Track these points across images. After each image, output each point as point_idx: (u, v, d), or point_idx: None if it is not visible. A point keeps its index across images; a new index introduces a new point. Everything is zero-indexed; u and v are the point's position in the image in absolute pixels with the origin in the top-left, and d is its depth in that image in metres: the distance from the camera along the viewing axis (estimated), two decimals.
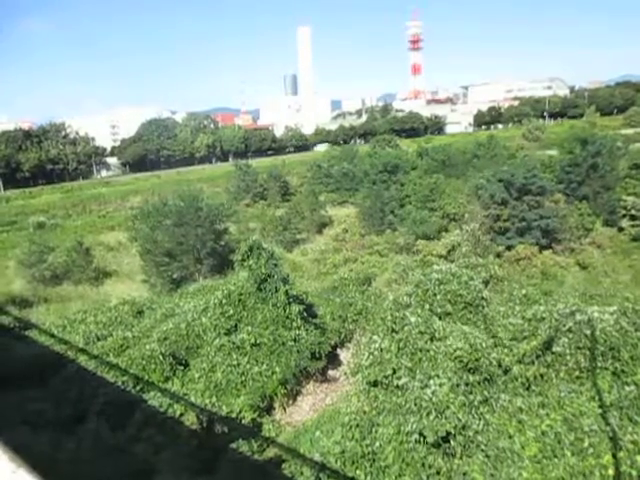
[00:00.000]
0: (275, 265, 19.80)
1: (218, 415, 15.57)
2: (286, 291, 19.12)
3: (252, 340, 18.10)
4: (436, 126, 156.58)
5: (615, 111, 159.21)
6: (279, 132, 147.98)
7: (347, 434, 12.77)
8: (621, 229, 37.11)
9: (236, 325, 19.17)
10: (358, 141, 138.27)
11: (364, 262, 35.44)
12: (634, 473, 9.63)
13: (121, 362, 18.29)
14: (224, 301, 19.58)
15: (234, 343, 18.20)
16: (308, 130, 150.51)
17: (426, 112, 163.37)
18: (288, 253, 39.03)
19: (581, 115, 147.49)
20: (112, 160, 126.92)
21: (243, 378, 17.22)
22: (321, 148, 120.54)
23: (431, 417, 11.73)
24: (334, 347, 20.79)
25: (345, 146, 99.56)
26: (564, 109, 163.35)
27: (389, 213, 43.34)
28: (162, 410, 15.58)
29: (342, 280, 27.64)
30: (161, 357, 18.03)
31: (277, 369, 17.47)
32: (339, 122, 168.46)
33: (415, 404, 12.12)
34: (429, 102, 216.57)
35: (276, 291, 18.98)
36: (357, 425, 12.87)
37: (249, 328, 18.63)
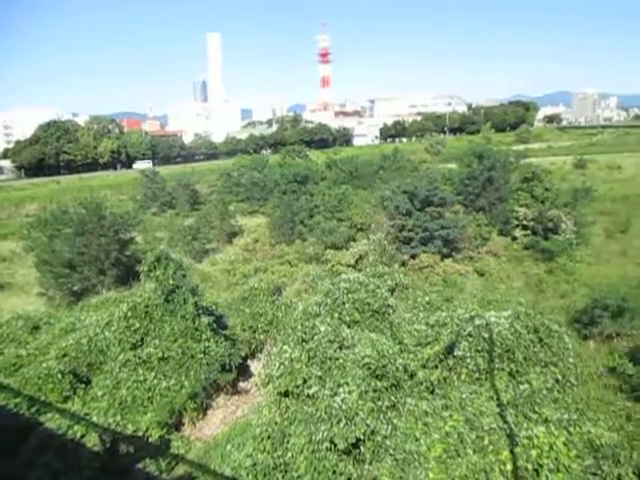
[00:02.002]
0: (183, 276, 19.34)
1: (123, 434, 14.89)
2: (195, 302, 18.71)
3: (159, 354, 17.50)
4: (344, 138, 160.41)
5: (508, 128, 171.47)
6: (188, 139, 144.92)
7: (258, 446, 12.69)
8: (514, 238, 39.76)
9: (142, 339, 18.44)
10: (268, 151, 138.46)
11: (274, 272, 35.41)
12: (529, 467, 10.31)
13: (14, 383, 16.97)
14: (129, 314, 18.75)
15: (140, 358, 17.50)
16: (218, 138, 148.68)
17: (335, 124, 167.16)
18: (197, 263, 38.21)
19: (478, 131, 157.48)
20: (5, 163, 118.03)
21: (150, 394, 16.59)
22: (141, 165, 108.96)
23: (341, 424, 11.95)
24: (245, 358, 20.59)
25: (255, 156, 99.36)
26: (463, 125, 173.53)
27: (299, 223, 43.69)
28: (61, 433, 14.62)
29: (252, 290, 27.38)
30: (60, 375, 16.93)
31: (186, 383, 17.01)
32: (249, 131, 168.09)
33: (325, 412, 12.29)
34: (337, 114, 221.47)
35: (185, 302, 18.50)
36: (269, 437, 12.83)
37: (156, 342, 18.01)
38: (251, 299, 25.17)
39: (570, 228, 37.88)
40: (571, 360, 14.71)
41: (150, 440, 15.15)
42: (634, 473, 10.40)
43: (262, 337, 21.59)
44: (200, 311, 18.81)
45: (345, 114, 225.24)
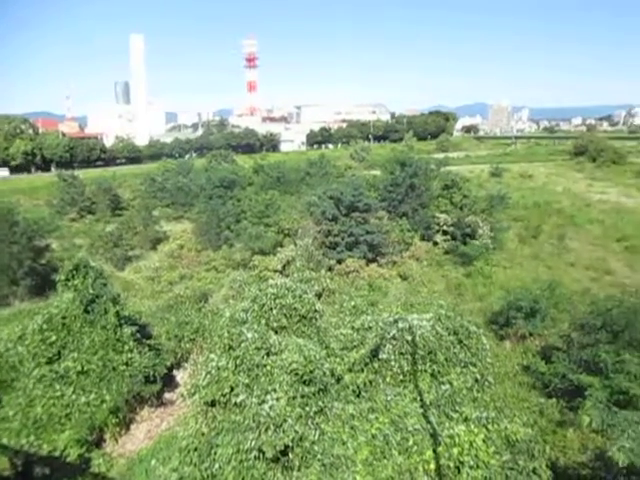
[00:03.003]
0: (104, 284, 18.60)
1: (38, 455, 14.04)
2: (117, 312, 18.02)
3: (78, 367, 16.69)
4: (271, 143, 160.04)
5: (429, 137, 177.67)
6: (109, 142, 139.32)
7: (185, 459, 12.37)
8: (435, 243, 41.24)
9: (59, 352, 17.50)
10: (194, 155, 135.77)
11: (201, 279, 34.81)
12: (451, 465, 10.68)
13: None
14: (45, 326, 17.73)
15: (57, 372, 16.60)
16: (141, 141, 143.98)
17: (262, 129, 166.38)
18: (119, 271, 36.86)
19: (401, 139, 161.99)
20: None
21: (68, 410, 15.77)
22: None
23: (269, 432, 11.87)
24: (170, 368, 20.06)
25: (181, 160, 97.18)
26: (386, 133, 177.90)
27: (225, 228, 43.19)
28: None
29: (178, 298, 26.83)
30: None
31: (107, 397, 16.32)
32: (174, 135, 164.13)
33: (253, 420, 12.17)
34: (264, 119, 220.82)
35: (105, 312, 17.78)
36: (195, 448, 12.54)
37: (75, 354, 17.15)
38: (177, 307, 24.63)
39: (487, 233, 39.77)
40: (489, 360, 15.39)
41: (68, 460, 14.39)
42: (547, 466, 11.01)
43: (188, 346, 21.14)
44: (122, 321, 18.14)
45: (272, 119, 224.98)
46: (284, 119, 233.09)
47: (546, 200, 63.40)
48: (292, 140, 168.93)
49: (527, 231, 46.44)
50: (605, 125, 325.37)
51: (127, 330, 17.93)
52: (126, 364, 17.26)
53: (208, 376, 13.85)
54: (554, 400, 17.92)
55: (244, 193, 49.41)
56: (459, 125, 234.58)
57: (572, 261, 38.55)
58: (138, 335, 18.70)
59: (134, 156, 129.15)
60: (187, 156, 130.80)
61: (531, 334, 23.46)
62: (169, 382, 19.80)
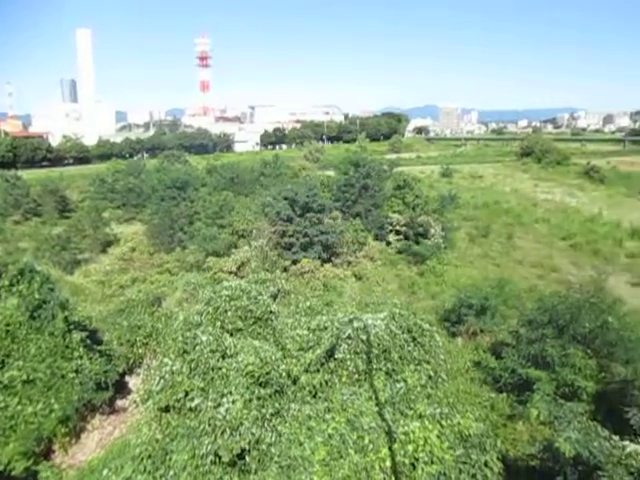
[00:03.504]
0: (51, 289, 17.95)
1: None
2: (65, 317, 17.41)
3: (24, 376, 16.00)
4: (225, 144, 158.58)
5: (381, 137, 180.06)
6: (56, 141, 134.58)
7: (138, 467, 12.09)
8: (389, 243, 41.83)
9: (3, 361, 16.75)
10: (145, 155, 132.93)
11: (153, 282, 34.12)
12: (407, 462, 10.83)
13: None
14: None
15: (1, 382, 15.91)
16: (90, 141, 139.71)
17: (215, 129, 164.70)
18: (68, 275, 35.69)
19: (354, 140, 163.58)
20: None
21: (13, 422, 15.09)
22: None
23: (226, 436, 11.75)
24: (122, 374, 19.55)
25: (132, 160, 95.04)
26: (340, 134, 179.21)
27: (179, 230, 42.51)
28: None
29: (130, 302, 26.14)
30: None
31: (56, 406, 15.73)
32: (125, 134, 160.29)
33: (209, 425, 12.02)
34: (218, 119, 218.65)
35: (53, 318, 17.15)
36: (149, 456, 12.27)
37: (20, 363, 16.44)
38: (128, 311, 24.02)
39: (438, 233, 40.64)
40: (442, 357, 15.70)
41: (14, 473, 13.81)
42: (498, 458, 11.33)
43: (141, 351, 20.65)
44: (71, 327, 17.54)
45: (226, 119, 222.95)
46: (238, 119, 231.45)
47: (495, 200, 65.37)
48: (246, 140, 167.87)
49: (477, 230, 47.76)
50: (550, 127, 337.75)
51: (76, 336, 17.36)
52: (76, 371, 16.70)
53: (162, 381, 13.59)
54: (504, 394, 18.45)
55: (197, 194, 48.72)
56: (411, 126, 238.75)
57: (520, 259, 39.88)
58: (88, 341, 18.13)
59: (82, 156, 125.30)
60: (138, 156, 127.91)
61: (482, 330, 24.09)
62: (121, 388, 19.30)
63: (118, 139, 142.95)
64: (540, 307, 18.98)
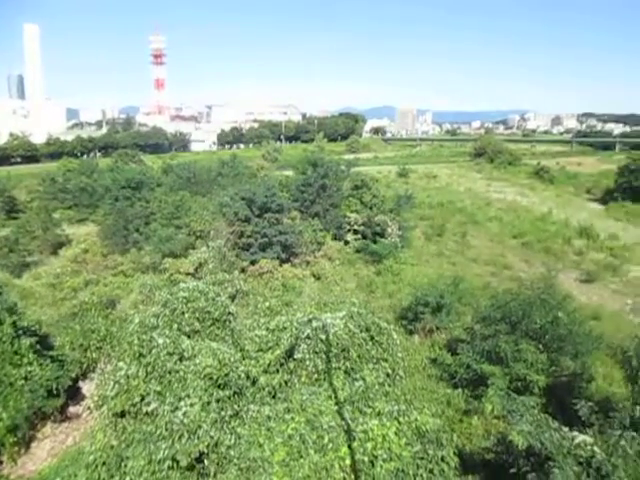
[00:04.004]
0: None
1: None
2: (13, 322, 16.82)
3: None
4: (181, 143, 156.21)
5: (339, 138, 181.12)
6: (2, 139, 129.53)
7: (92, 475, 11.78)
8: (347, 242, 42.04)
9: None
10: (98, 154, 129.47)
11: (108, 284, 33.25)
12: (366, 459, 10.95)
13: None
14: None
15: None
16: (39, 139, 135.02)
17: (171, 128, 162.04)
18: (16, 278, 34.38)
19: (312, 140, 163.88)
20: None
21: None
22: None
23: (183, 440, 11.59)
24: (75, 380, 19.00)
25: (84, 159, 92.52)
26: (298, 133, 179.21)
27: (134, 231, 41.57)
28: None
29: (83, 305, 25.46)
30: None
31: (4, 415, 15.16)
32: (76, 132, 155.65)
33: (166, 429, 11.82)
34: (173, 118, 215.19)
35: (1, 324, 16.54)
36: (104, 463, 11.97)
37: None
38: (81, 315, 23.41)
39: (395, 232, 41.17)
40: (399, 355, 15.94)
41: None
42: (454, 453, 11.60)
43: (95, 355, 20.13)
44: (20, 332, 16.96)
45: (182, 118, 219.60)
46: (194, 118, 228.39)
47: (449, 200, 66.69)
48: (203, 140, 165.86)
49: (432, 229, 48.64)
50: (501, 129, 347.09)
51: (26, 341, 16.78)
52: (25, 378, 16.13)
53: (117, 386, 13.29)
54: (460, 390, 18.85)
55: (153, 194, 47.73)
56: (368, 127, 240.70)
57: (474, 257, 40.79)
58: (38, 346, 17.55)
59: (30, 155, 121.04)
60: (91, 155, 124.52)
61: (438, 328, 24.53)
62: (74, 395, 18.76)
63: (69, 137, 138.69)
64: (493, 304, 19.46)
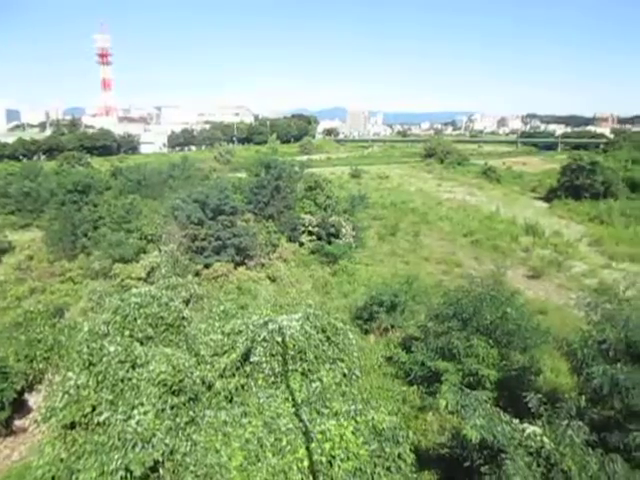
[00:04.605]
0: None
1: None
2: None
3: None
4: (130, 145, 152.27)
5: (292, 139, 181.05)
6: None
7: None
8: (302, 244, 42.11)
9: None
10: (42, 157, 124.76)
11: (54, 292, 32.18)
12: (324, 460, 10.95)
13: None
14: None
15: None
16: None
17: (119, 130, 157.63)
18: None
19: (265, 141, 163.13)
20: None
21: None
22: None
23: (137, 449, 11.29)
24: (21, 392, 18.26)
25: (27, 162, 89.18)
26: (250, 135, 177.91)
27: (82, 236, 40.32)
28: None
29: (28, 314, 24.39)
30: None
31: None
32: (18, 134, 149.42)
33: (119, 439, 11.49)
34: (122, 120, 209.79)
35: None
36: (53, 477, 11.52)
37: None
38: (27, 324, 22.47)
39: (349, 232, 41.52)
40: (355, 354, 16.01)
41: None
42: (410, 450, 11.76)
43: (42, 366, 19.38)
44: None
45: (130, 120, 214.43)
46: (143, 120, 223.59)
47: (402, 200, 67.79)
48: (153, 142, 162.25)
49: (386, 229, 49.31)
50: (450, 129, 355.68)
51: None
52: None
53: (66, 396, 12.82)
54: (415, 387, 19.17)
55: (102, 198, 46.41)
56: (320, 128, 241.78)
57: (426, 256, 41.58)
58: None
59: None
60: (34, 158, 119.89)
61: (393, 326, 24.86)
62: (20, 408, 18.03)
63: (9, 139, 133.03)
64: (445, 301, 19.83)
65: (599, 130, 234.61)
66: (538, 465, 10.42)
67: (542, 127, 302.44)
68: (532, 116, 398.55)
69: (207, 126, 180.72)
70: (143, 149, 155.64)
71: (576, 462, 10.25)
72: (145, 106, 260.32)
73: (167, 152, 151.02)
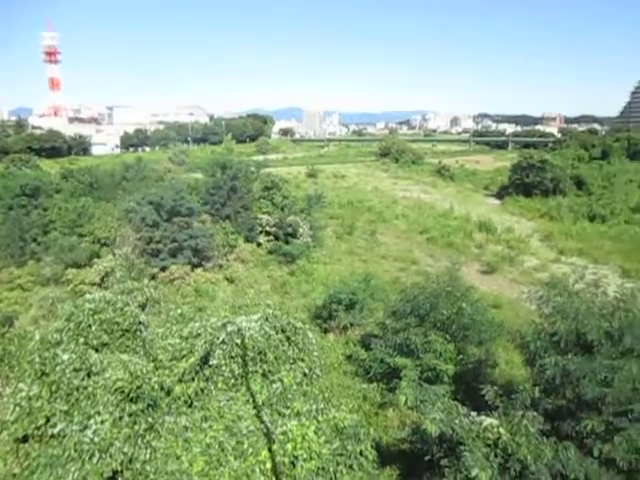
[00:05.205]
0: None
1: None
2: None
3: None
4: (81, 146, 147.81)
5: (248, 139, 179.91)
6: None
7: None
8: (259, 244, 41.90)
9: None
10: None
11: (2, 300, 31.01)
12: (286, 461, 10.95)
13: None
14: None
15: None
16: None
17: (69, 131, 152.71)
18: None
19: (220, 142, 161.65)
20: None
21: None
22: None
23: (94, 459, 11.01)
24: None
25: None
26: (205, 135, 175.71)
27: (31, 241, 38.93)
28: None
29: None
30: None
31: None
32: None
33: (75, 450, 11.17)
34: (72, 120, 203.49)
35: None
36: None
37: None
38: None
39: (307, 232, 41.60)
40: (315, 354, 16.07)
41: None
42: (372, 446, 11.90)
43: None
44: None
45: (81, 120, 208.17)
46: (95, 120, 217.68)
47: (358, 198, 68.35)
48: (105, 143, 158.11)
49: (343, 228, 49.64)
50: (405, 129, 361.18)
51: None
52: None
53: (18, 409, 12.37)
54: (375, 384, 19.38)
55: (52, 201, 44.91)
56: (276, 128, 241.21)
57: (383, 254, 42.09)
58: None
59: None
60: None
61: (352, 324, 25.06)
62: None
63: None
64: (403, 298, 20.10)
65: (547, 129, 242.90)
66: (495, 456, 10.72)
67: (493, 126, 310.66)
68: (484, 115, 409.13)
69: (161, 126, 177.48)
70: (95, 150, 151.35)
71: (531, 451, 10.59)
72: (96, 106, 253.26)
73: (120, 153, 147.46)
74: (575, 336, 12.78)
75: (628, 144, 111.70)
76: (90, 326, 15.65)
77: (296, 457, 10.96)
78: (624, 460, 10.95)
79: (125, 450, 11.41)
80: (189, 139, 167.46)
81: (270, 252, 40.53)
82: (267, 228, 42.29)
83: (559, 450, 10.81)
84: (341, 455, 11.18)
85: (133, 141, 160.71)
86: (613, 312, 12.90)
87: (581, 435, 11.59)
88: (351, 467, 11.12)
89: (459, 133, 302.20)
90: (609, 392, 11.44)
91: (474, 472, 10.01)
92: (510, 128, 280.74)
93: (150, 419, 12.67)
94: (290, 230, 41.29)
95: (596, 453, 11.27)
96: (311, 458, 10.91)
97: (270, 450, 11.21)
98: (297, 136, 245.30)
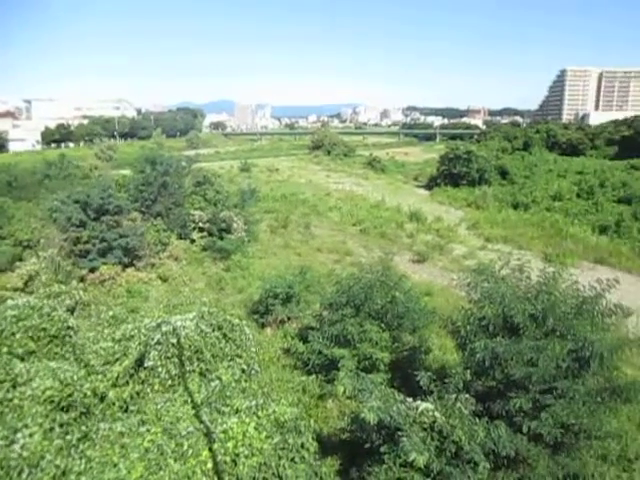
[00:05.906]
0: None
1: None
2: None
3: None
4: None
5: (178, 134, 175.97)
6: None
7: None
8: (193, 241, 41.02)
9: None
10: None
11: None
12: (228, 459, 10.86)
13: None
14: None
15: None
16: None
17: None
18: None
19: (149, 136, 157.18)
20: None
21: None
22: None
23: (24, 475, 10.48)
24: None
25: None
26: (133, 130, 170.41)
27: None
28: None
29: None
30: None
31: None
32: None
33: (2, 467, 10.58)
34: None
35: None
36: None
37: None
38: None
39: (241, 227, 41.24)
40: (253, 349, 16.04)
41: None
42: (313, 438, 12.04)
43: None
44: None
45: None
46: (11, 115, 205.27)
47: (292, 192, 68.51)
48: (24, 139, 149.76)
49: (278, 222, 49.57)
50: (336, 122, 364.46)
51: None
52: None
53: None
54: (314, 376, 19.51)
55: None
56: (207, 122, 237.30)
57: (318, 246, 42.39)
58: None
59: None
60: None
61: (289, 318, 25.12)
62: None
63: None
64: (338, 290, 20.32)
65: (473, 121, 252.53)
66: (432, 439, 11.13)
67: (421, 119, 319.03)
68: (412, 108, 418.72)
69: (85, 121, 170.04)
70: (12, 147, 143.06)
71: (465, 432, 11.09)
72: (12, 99, 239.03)
73: (42, 150, 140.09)
74: (502, 320, 13.45)
75: (547, 135, 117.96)
76: (14, 334, 14.92)
77: (237, 455, 10.91)
78: (550, 435, 11.71)
79: (57, 462, 10.95)
80: (116, 134, 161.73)
81: (204, 249, 39.83)
82: (200, 224, 41.50)
83: (491, 429, 11.38)
84: (283, 449, 11.25)
85: (55, 137, 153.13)
86: (536, 295, 13.67)
87: (511, 414, 12.23)
88: (293, 460, 11.21)
89: (389, 126, 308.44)
90: (535, 371, 12.14)
91: (412, 456, 10.36)
92: (437, 120, 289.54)
93: (84, 427, 12.24)
94: (224, 225, 40.75)
95: (525, 430, 11.96)
96: (253, 454, 10.90)
97: (211, 450, 11.10)
98: (229, 130, 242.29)
